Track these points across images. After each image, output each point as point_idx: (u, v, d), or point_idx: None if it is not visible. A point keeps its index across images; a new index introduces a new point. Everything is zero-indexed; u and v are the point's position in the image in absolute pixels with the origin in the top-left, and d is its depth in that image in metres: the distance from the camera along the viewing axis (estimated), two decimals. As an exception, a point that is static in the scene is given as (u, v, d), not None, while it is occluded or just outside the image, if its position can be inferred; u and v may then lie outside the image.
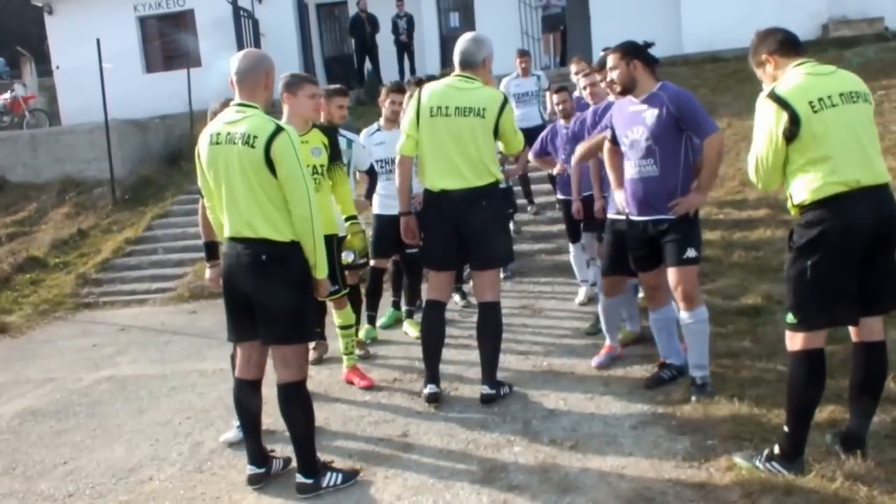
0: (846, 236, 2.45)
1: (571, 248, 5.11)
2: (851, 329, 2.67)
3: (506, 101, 3.44)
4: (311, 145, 3.82)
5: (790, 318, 2.58)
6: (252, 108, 2.76)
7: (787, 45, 2.62)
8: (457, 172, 3.38)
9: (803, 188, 2.51)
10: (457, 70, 3.47)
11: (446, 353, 3.99)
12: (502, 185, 5.37)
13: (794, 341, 2.58)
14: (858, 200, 2.45)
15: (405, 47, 12.40)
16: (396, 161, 3.58)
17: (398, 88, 4.80)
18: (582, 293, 5.11)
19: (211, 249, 3.58)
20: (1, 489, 3.32)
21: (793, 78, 2.53)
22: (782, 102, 2.48)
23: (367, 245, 4.07)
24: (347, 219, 3.89)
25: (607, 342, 3.98)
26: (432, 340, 3.57)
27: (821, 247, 2.46)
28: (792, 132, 2.46)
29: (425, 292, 3.69)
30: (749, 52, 2.74)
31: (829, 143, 2.46)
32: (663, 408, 3.28)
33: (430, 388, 3.56)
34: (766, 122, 2.52)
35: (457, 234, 3.42)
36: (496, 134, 3.44)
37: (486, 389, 3.51)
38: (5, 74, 20.69)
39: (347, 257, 3.89)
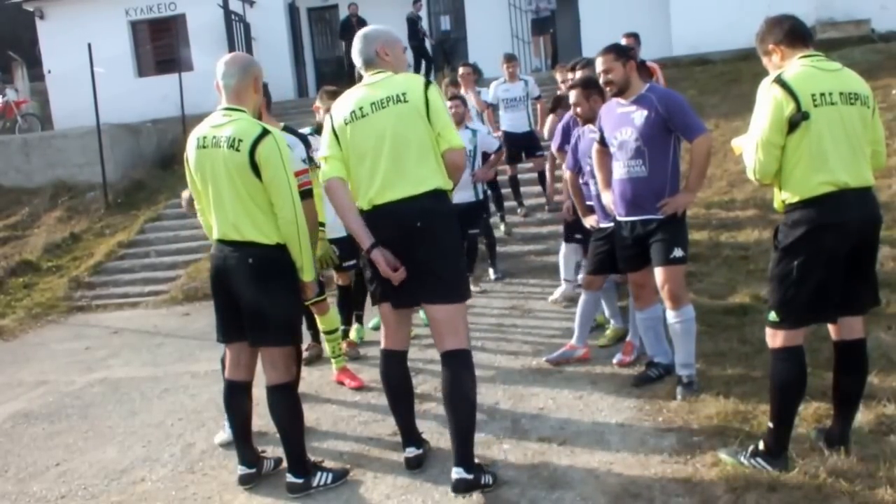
0: (833, 237, 2.47)
1: (564, 246, 5.07)
2: (831, 328, 2.71)
3: (429, 82, 2.79)
4: None
5: (773, 316, 2.61)
6: (239, 112, 2.77)
7: (794, 35, 2.59)
8: (392, 178, 2.69)
9: (793, 185, 2.52)
10: (364, 74, 2.89)
11: (434, 354, 4.01)
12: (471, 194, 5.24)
13: (776, 339, 2.62)
14: (846, 202, 2.48)
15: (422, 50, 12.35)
16: (324, 189, 2.87)
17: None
18: (558, 292, 5.14)
19: None
20: (-7, 491, 3.34)
21: (798, 67, 2.52)
22: (788, 89, 2.46)
23: (330, 252, 3.96)
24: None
25: (572, 340, 4.02)
26: (397, 397, 2.93)
27: (807, 247, 2.48)
28: (799, 118, 2.44)
29: (382, 335, 2.97)
30: (756, 39, 2.69)
31: (822, 141, 2.47)
32: (650, 405, 3.32)
33: (409, 451, 2.94)
34: (772, 106, 2.47)
35: (405, 258, 2.72)
36: (429, 120, 2.71)
37: (459, 473, 2.66)
38: (-3, 79, 20.55)
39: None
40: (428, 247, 2.69)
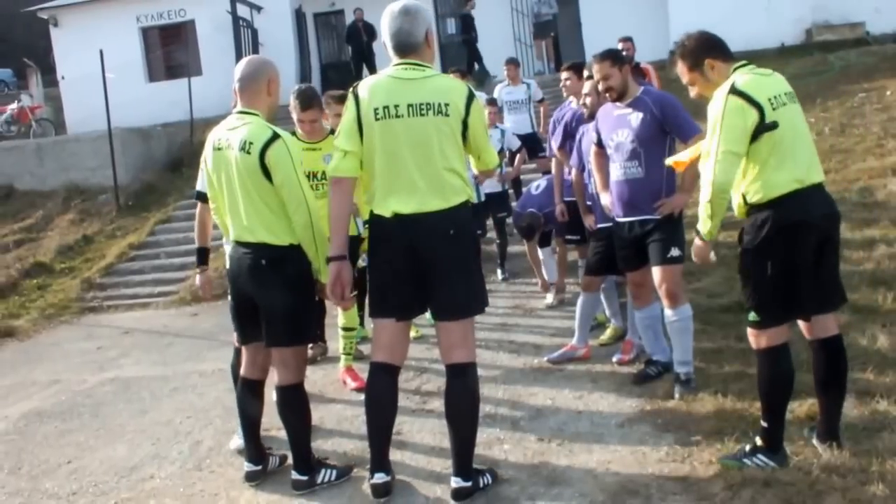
0: (803, 233, 2.51)
1: (540, 252, 5.23)
2: (803, 327, 2.71)
3: (472, 94, 2.61)
4: (324, 152, 3.86)
5: (753, 316, 2.63)
6: (252, 115, 2.81)
7: (724, 49, 2.65)
8: (415, 191, 2.55)
9: (759, 186, 2.54)
10: (394, 59, 2.60)
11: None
12: (479, 201, 5.36)
13: (759, 340, 2.64)
14: (810, 198, 2.53)
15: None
16: (330, 183, 2.72)
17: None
18: (550, 297, 5.20)
19: (202, 255, 3.59)
20: (7, 488, 3.41)
21: (745, 76, 2.56)
22: (748, 98, 2.49)
23: None
24: (366, 222, 3.94)
25: (573, 341, 4.05)
26: (379, 417, 2.71)
27: (778, 245, 2.51)
28: (769, 126, 2.47)
29: (371, 349, 2.82)
30: (677, 54, 2.70)
31: (785, 141, 2.52)
32: (649, 404, 3.34)
33: (377, 478, 2.71)
34: (736, 116, 2.48)
35: (415, 271, 2.60)
36: (464, 139, 2.63)
37: (458, 482, 2.66)
38: (12, 85, 20.96)
39: (362, 261, 3.89)
40: (448, 260, 2.58)
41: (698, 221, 2.70)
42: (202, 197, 3.36)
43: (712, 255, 2.81)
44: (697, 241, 2.74)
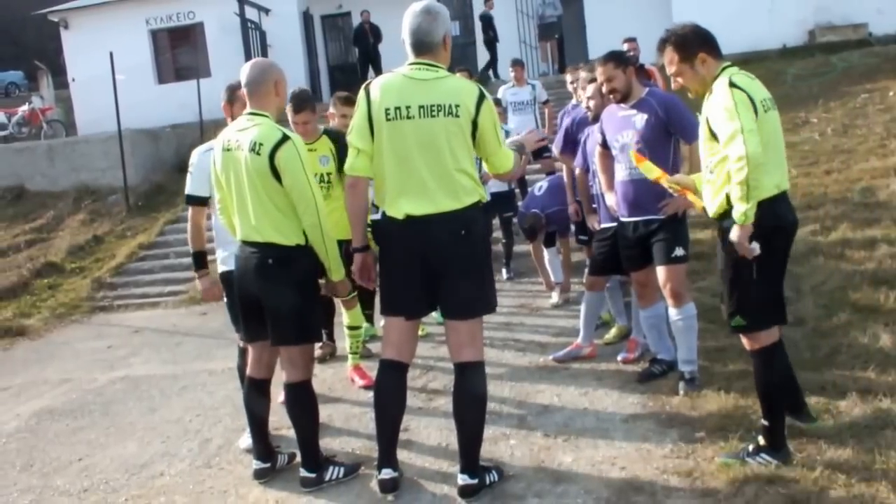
0: (779, 237, 2.55)
1: (546, 252, 5.27)
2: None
3: (483, 94, 2.61)
4: (320, 153, 3.89)
5: (738, 321, 2.63)
6: (261, 117, 2.84)
7: (717, 46, 2.64)
8: (426, 193, 2.58)
9: None
10: (410, 57, 2.64)
11: (446, 351, 4.10)
12: (487, 200, 5.48)
13: (754, 342, 2.66)
14: (785, 204, 2.58)
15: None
16: (346, 184, 2.80)
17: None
18: (555, 296, 5.24)
19: (199, 259, 3.45)
20: (19, 485, 3.47)
21: (738, 76, 2.56)
22: (748, 94, 2.50)
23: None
24: (369, 225, 3.97)
25: (578, 339, 4.07)
26: (387, 413, 2.75)
27: (763, 247, 2.52)
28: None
29: (381, 346, 2.89)
30: (669, 42, 2.64)
31: (770, 144, 2.54)
32: (654, 402, 3.37)
33: (384, 474, 2.75)
34: (745, 104, 2.46)
35: (426, 271, 2.63)
36: (473, 140, 2.63)
37: (464, 479, 2.69)
38: (24, 87, 21.19)
39: None
40: (460, 261, 2.61)
41: (734, 210, 2.48)
42: (193, 200, 3.35)
43: (755, 246, 2.48)
44: (736, 229, 2.48)
